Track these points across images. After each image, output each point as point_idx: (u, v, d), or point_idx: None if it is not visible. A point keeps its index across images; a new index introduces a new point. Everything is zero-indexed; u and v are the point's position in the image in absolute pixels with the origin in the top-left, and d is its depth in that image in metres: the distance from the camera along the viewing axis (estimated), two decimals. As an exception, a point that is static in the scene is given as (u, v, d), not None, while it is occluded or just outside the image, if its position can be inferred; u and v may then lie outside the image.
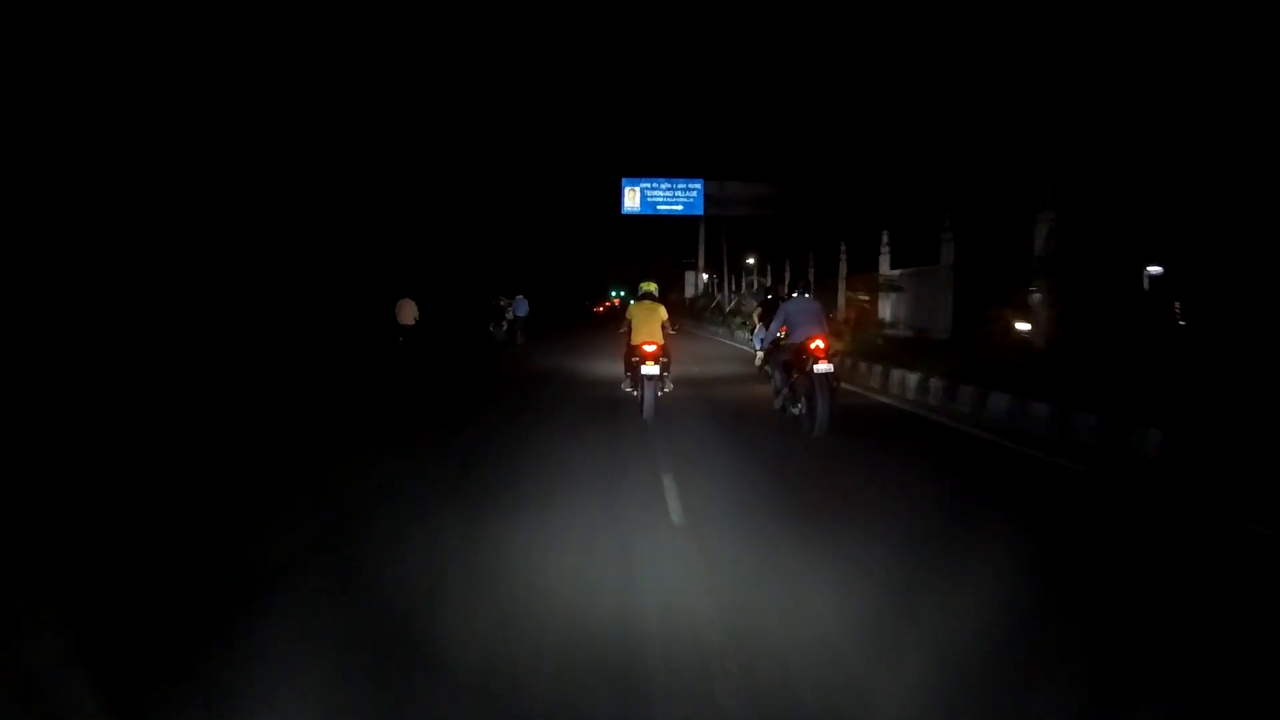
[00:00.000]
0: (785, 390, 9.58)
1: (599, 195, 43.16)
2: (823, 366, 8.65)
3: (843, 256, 20.10)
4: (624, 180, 39.70)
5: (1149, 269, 20.93)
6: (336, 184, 31.28)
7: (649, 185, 39.76)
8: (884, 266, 17.75)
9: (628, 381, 10.38)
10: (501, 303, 27.94)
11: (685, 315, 43.31)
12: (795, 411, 9.15)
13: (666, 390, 10.28)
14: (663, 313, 10.21)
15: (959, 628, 3.59)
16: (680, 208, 40.26)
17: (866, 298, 18.86)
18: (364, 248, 32.38)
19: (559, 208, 67.44)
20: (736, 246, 38.17)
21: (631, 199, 40.11)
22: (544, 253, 71.57)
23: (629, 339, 10.18)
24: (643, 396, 9.60)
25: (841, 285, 20.25)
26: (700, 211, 40.72)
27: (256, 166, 27.16)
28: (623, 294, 69.45)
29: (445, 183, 43.54)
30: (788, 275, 24.57)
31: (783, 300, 10.39)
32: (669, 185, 39.75)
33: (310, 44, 31.78)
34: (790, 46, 42.40)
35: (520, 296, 26.74)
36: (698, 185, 40.01)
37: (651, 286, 10.72)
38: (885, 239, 17.60)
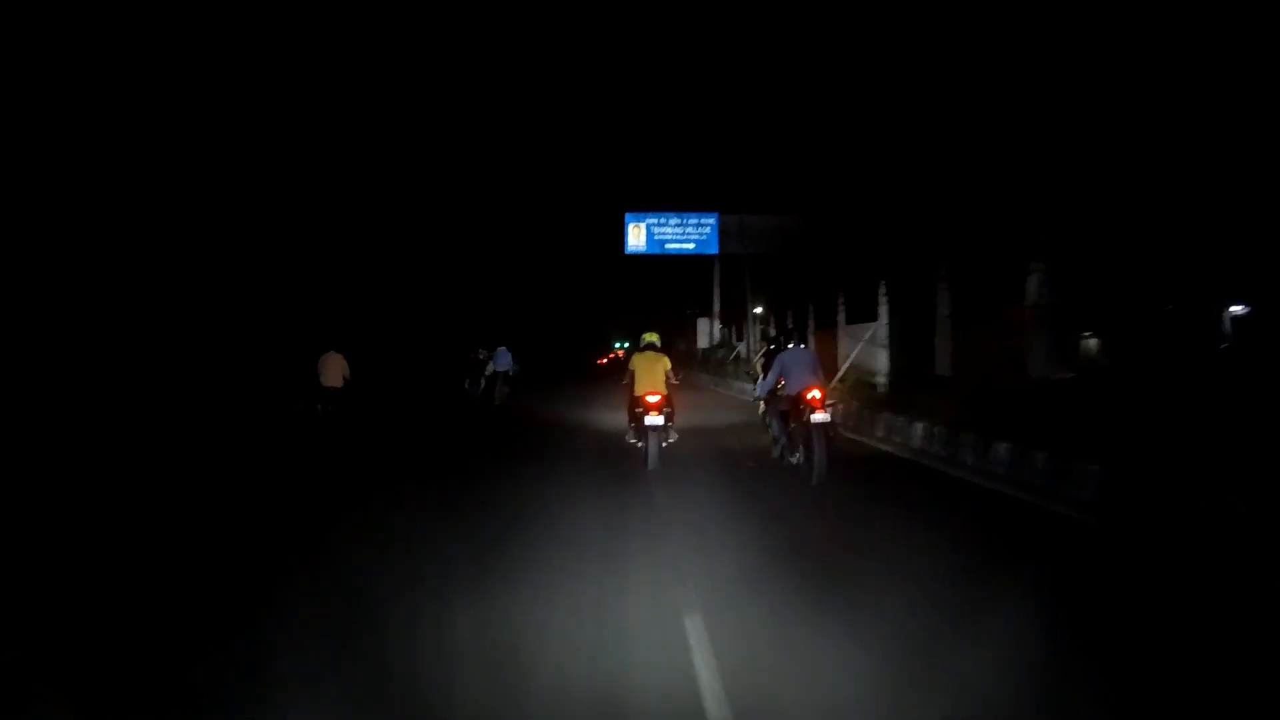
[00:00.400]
0: (783, 440, 10.19)
1: (600, 235, 39.29)
2: (820, 416, 9.22)
3: (943, 288, 15.56)
4: (627, 216, 36.51)
5: (1231, 309, 17.96)
6: (293, 220, 27.17)
7: (656, 221, 36.46)
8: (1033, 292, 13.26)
9: (631, 432, 10.90)
10: (480, 356, 23.90)
11: (699, 368, 39.49)
12: (794, 460, 9.77)
13: (671, 441, 10.85)
14: (666, 363, 10.74)
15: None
16: (692, 246, 37.42)
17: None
18: (321, 292, 27.99)
19: (557, 249, 63.71)
20: (757, 288, 33.66)
21: (636, 237, 36.49)
22: (541, 301, 68.04)
23: (632, 390, 10.66)
24: (647, 447, 10.12)
25: (944, 323, 15.48)
26: (715, 250, 39.12)
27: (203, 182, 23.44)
28: (626, 345, 65.77)
29: (424, 221, 39.40)
30: (841, 314, 20.16)
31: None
32: (679, 220, 36.39)
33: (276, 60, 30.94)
34: (809, 63, 38.81)
35: (502, 348, 22.91)
36: (711, 220, 36.71)
37: (653, 337, 11.13)
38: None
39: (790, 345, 10.35)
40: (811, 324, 23.69)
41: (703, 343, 46.31)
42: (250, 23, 31.26)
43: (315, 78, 34.65)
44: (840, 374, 18.95)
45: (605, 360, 70.85)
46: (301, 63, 33.33)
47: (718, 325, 40.89)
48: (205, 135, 27.28)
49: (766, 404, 11.07)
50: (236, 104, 28.47)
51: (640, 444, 10.45)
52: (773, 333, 26.64)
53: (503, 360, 24.33)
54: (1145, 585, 5.77)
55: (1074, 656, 4.38)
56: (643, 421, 10.27)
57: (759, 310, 39.94)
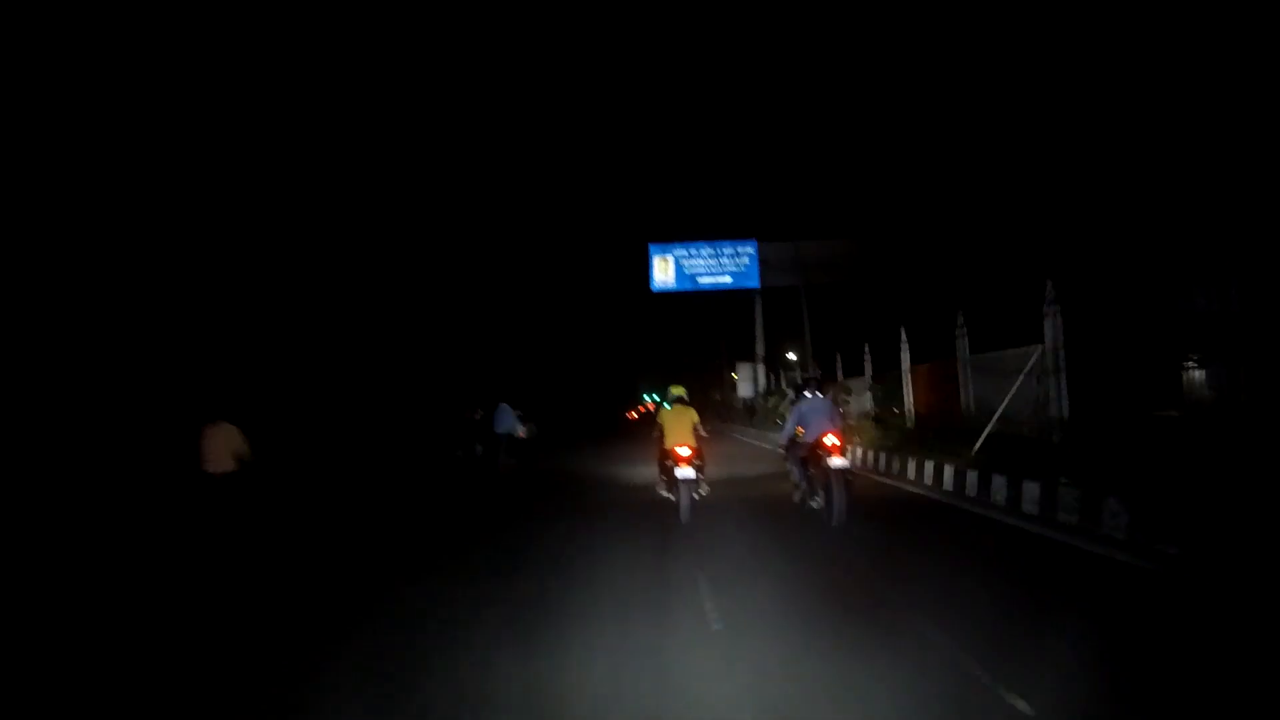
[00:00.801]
0: (804, 485, 10.92)
1: (626, 279, 35.29)
2: (838, 461, 9.81)
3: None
4: (652, 247, 32.70)
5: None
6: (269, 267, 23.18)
7: (685, 252, 34.38)
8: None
9: (662, 485, 11.33)
10: (477, 416, 19.29)
11: (741, 420, 34.82)
12: (814, 505, 10.47)
13: (703, 493, 11.14)
14: (694, 415, 11.03)
15: None
16: (729, 279, 35.55)
17: None
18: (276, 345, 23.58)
19: (579, 299, 59.73)
20: (817, 322, 29.15)
21: (663, 272, 32.95)
22: (564, 355, 63.98)
23: (662, 444, 11.03)
24: (679, 500, 10.46)
25: None
26: (755, 284, 35.41)
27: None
28: (656, 397, 61.64)
29: (420, 268, 35.29)
30: (962, 340, 15.83)
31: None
32: (712, 250, 33.71)
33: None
34: (854, 75, 34.82)
35: (503, 405, 18.16)
36: (750, 248, 34.52)
37: (680, 390, 11.51)
38: None
39: (808, 394, 10.96)
40: (906, 358, 18.46)
41: (744, 391, 41.70)
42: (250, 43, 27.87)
43: (311, 97, 31.12)
44: (988, 428, 13.61)
45: (635, 414, 68.00)
46: (301, 80, 29.87)
47: (762, 370, 35.88)
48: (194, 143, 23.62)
49: (787, 451, 11.58)
50: (240, 119, 24.94)
51: (672, 497, 10.88)
52: (798, 376, 22.40)
53: (504, 420, 19.56)
54: (1178, 634, 5.57)
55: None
56: (674, 475, 10.67)
57: (792, 356, 35.47)
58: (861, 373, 22.25)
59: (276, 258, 25.32)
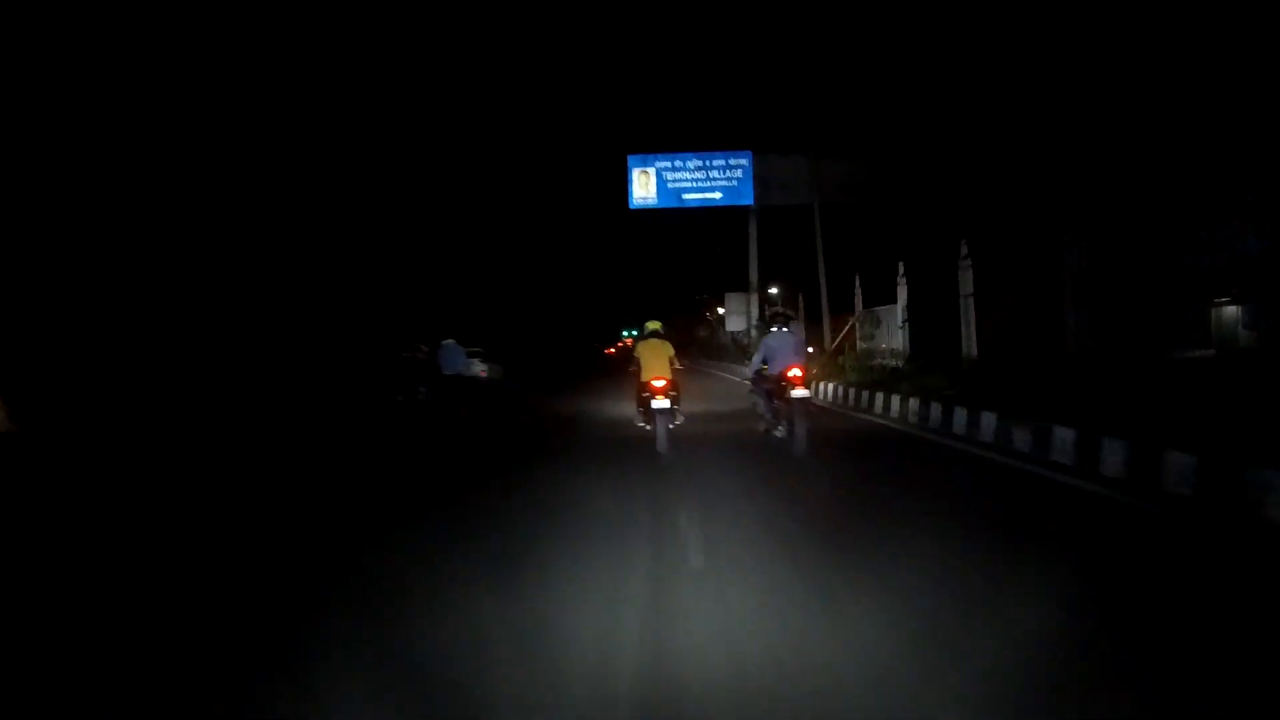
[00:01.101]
0: (769, 416, 11.66)
1: (607, 202, 31.62)
2: (799, 392, 10.57)
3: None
4: (631, 159, 28.55)
5: None
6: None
7: (669, 164, 32.36)
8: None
9: (639, 416, 12.01)
10: (420, 354, 15.75)
11: (734, 358, 31.52)
12: (778, 434, 11.28)
13: (678, 423, 11.80)
14: (669, 349, 11.73)
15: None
16: (718, 195, 31.24)
17: None
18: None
19: (558, 227, 55.93)
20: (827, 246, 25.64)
21: (643, 186, 29.53)
22: (543, 289, 60.61)
23: (639, 377, 11.71)
24: (656, 430, 11.11)
25: None
26: (749, 200, 31.25)
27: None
28: (635, 333, 58.62)
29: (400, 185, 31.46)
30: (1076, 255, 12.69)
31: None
32: (700, 162, 32.07)
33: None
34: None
35: (448, 343, 14.66)
36: (744, 160, 31.17)
37: (656, 325, 12.31)
38: None
39: (774, 329, 11.55)
40: (968, 280, 14.52)
41: (734, 325, 38.35)
42: None
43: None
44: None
45: (614, 350, 66.20)
46: None
47: (755, 300, 32.09)
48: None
49: (753, 385, 12.20)
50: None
51: (649, 427, 11.46)
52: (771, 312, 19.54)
53: (453, 359, 16.20)
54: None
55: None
56: (650, 405, 11.23)
57: (775, 291, 32.02)
58: (892, 300, 18.51)
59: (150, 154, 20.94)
